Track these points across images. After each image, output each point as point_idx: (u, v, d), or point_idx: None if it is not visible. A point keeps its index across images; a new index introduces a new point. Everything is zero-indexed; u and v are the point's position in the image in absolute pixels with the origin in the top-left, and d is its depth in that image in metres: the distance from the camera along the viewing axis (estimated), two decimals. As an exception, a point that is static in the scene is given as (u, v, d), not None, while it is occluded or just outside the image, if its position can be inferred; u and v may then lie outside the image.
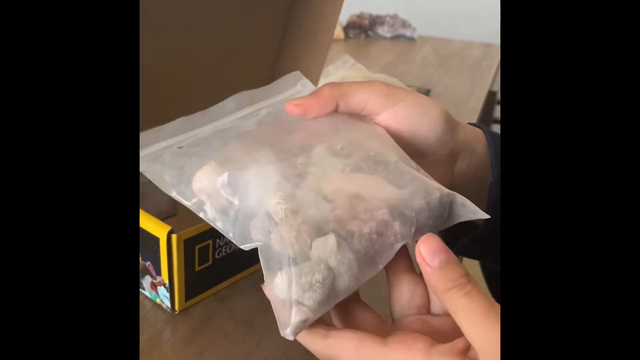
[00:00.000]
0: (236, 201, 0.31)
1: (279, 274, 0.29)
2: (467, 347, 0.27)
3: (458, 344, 0.27)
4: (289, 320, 0.29)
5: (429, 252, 0.28)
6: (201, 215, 0.32)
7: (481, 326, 0.26)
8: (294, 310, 0.29)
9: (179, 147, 0.35)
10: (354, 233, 0.30)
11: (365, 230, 0.30)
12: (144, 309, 0.45)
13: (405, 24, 1.57)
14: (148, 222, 0.42)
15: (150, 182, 0.53)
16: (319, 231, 0.29)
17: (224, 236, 0.44)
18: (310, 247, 0.29)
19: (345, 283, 0.29)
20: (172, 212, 0.56)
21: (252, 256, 0.49)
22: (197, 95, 0.65)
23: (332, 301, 0.30)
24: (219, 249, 0.45)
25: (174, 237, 0.41)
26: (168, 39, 0.57)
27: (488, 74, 1.25)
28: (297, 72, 0.42)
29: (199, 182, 0.32)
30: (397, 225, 0.31)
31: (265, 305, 0.46)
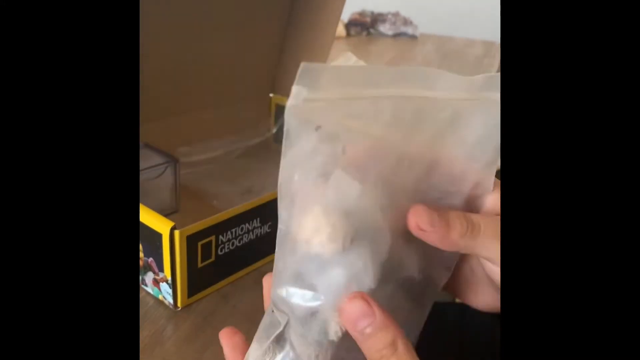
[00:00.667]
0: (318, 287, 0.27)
1: (257, 348, 0.28)
2: None
3: None
4: None
5: (352, 316, 0.26)
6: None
7: None
8: None
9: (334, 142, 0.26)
10: None
11: None
12: (146, 306, 0.45)
13: (406, 22, 1.57)
14: (151, 218, 0.42)
15: (153, 179, 0.53)
16: None
17: (226, 232, 0.45)
18: None
19: None
20: (175, 208, 0.56)
21: (255, 253, 0.49)
22: (199, 91, 0.65)
23: None
24: (222, 245, 0.45)
25: (176, 233, 0.41)
26: (169, 36, 0.57)
27: (489, 72, 1.24)
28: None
29: (307, 235, 0.27)
30: None
31: (267, 302, 0.46)
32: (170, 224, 0.41)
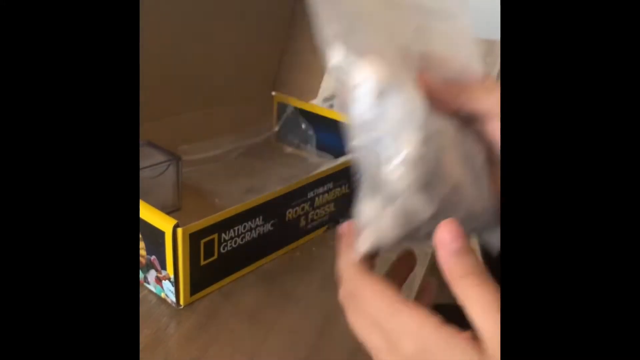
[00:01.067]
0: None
1: (368, 201, 0.31)
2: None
3: (467, 333, 0.28)
4: (362, 242, 0.32)
5: (448, 236, 0.29)
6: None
7: (491, 317, 0.26)
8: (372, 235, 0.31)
9: None
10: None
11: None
12: (149, 304, 0.45)
13: (409, 21, 1.57)
14: (153, 216, 0.42)
15: (156, 177, 0.53)
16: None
17: (229, 230, 0.45)
18: None
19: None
20: (177, 206, 0.56)
21: (257, 251, 0.49)
22: (201, 90, 0.65)
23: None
24: (224, 243, 0.45)
25: (179, 231, 0.40)
26: (172, 35, 0.57)
27: (492, 71, 1.24)
28: None
29: (368, 72, 0.31)
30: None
31: (270, 300, 0.46)
32: (173, 221, 0.41)
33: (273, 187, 0.49)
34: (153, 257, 0.43)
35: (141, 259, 0.45)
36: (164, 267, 0.43)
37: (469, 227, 0.33)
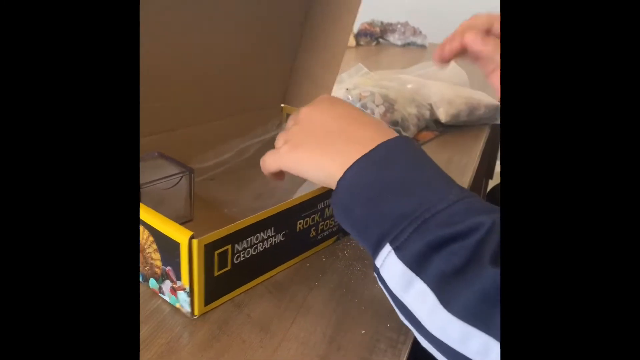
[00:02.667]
0: None
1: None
2: None
3: None
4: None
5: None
6: None
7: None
8: None
9: None
10: None
11: None
12: (163, 313, 0.46)
13: (415, 32, 1.58)
14: (169, 228, 0.42)
15: (169, 188, 0.54)
16: None
17: (242, 241, 0.45)
18: None
19: None
20: (189, 217, 0.57)
21: (268, 262, 0.50)
22: (212, 102, 0.66)
23: None
24: (237, 254, 0.46)
25: (194, 242, 0.41)
26: (182, 51, 0.58)
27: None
28: None
29: None
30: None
31: (281, 310, 0.47)
32: (189, 233, 0.41)
33: (282, 192, 0.49)
34: (168, 268, 0.44)
35: (156, 270, 0.46)
36: (179, 277, 0.44)
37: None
